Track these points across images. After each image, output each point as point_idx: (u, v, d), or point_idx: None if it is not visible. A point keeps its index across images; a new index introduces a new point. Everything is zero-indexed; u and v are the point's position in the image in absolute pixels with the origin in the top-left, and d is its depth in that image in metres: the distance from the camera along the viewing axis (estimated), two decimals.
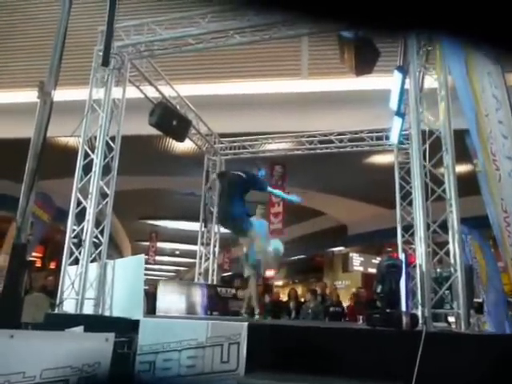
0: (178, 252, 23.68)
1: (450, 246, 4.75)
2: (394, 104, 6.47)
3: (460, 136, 5.33)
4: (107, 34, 5.36)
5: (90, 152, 5.71)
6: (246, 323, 3.37)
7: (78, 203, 5.59)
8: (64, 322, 4.20)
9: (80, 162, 5.66)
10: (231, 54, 8.20)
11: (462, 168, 7.03)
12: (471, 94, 4.70)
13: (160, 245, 21.04)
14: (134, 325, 3.15)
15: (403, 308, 5.13)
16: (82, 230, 5.50)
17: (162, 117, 6.69)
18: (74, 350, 2.43)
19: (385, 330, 4.04)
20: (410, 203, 6.71)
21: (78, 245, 5.52)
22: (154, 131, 7.08)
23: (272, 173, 10.76)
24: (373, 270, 13.29)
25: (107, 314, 5.18)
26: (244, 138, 9.08)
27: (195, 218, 9.46)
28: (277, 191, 6.72)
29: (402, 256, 7.22)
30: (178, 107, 7.54)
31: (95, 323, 4.33)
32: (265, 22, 5.32)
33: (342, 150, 8.50)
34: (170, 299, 6.66)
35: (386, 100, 6.61)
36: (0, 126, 9.43)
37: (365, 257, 17.26)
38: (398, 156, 8.06)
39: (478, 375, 3.35)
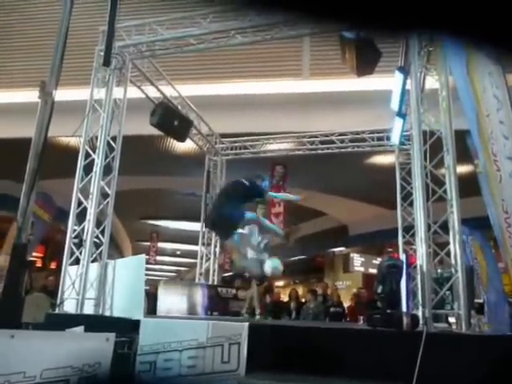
0: (178, 252, 23.69)
1: (451, 246, 4.75)
2: (395, 104, 6.47)
3: (461, 137, 5.33)
4: (108, 33, 5.36)
5: (91, 152, 5.71)
6: (246, 323, 3.36)
7: (79, 203, 5.60)
8: (64, 322, 4.21)
9: (81, 162, 5.66)
10: (233, 54, 8.20)
11: (463, 169, 7.03)
12: (472, 95, 4.70)
13: (161, 245, 21.05)
14: (134, 325, 3.15)
15: (404, 308, 5.14)
16: (83, 229, 5.51)
17: (163, 117, 6.69)
18: (75, 350, 2.43)
19: (385, 330, 4.04)
20: (411, 204, 6.70)
21: (79, 245, 5.52)
22: (155, 131, 7.08)
23: (273, 173, 10.76)
24: (373, 271, 13.28)
25: (108, 314, 5.18)
26: (245, 138, 9.08)
27: (196, 219, 9.46)
28: (277, 194, 6.72)
29: (402, 256, 7.21)
30: (179, 107, 7.54)
31: (96, 323, 4.33)
32: (266, 22, 5.32)
33: (343, 150, 8.49)
34: (171, 299, 6.67)
35: (387, 100, 6.61)
36: (1, 126, 9.44)
37: (365, 257, 17.26)
38: (399, 156, 8.05)
39: (478, 376, 3.34)
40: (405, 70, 5.75)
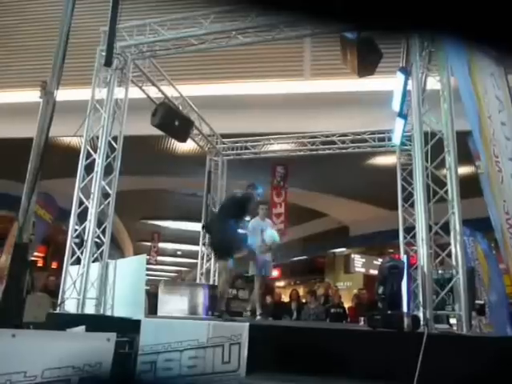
0: (179, 252, 23.70)
1: (452, 247, 4.74)
2: (396, 105, 6.47)
3: (462, 138, 5.32)
4: (110, 34, 5.36)
5: (92, 152, 5.72)
6: (247, 324, 3.36)
7: (80, 203, 5.61)
8: (66, 321, 4.22)
9: (82, 162, 5.67)
10: (234, 54, 8.21)
11: (464, 170, 7.02)
12: (474, 96, 4.69)
13: (162, 245, 21.06)
14: (135, 325, 3.15)
15: (405, 309, 5.13)
16: (84, 229, 5.52)
17: (164, 117, 6.69)
18: (76, 349, 2.43)
19: (386, 331, 4.04)
20: (412, 205, 6.70)
21: (80, 245, 5.53)
22: (156, 131, 7.09)
23: (274, 173, 10.77)
24: (374, 272, 13.28)
25: (109, 313, 5.19)
26: (246, 138, 9.09)
27: (197, 219, 9.47)
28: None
29: (403, 257, 7.21)
30: (180, 108, 7.55)
31: (97, 323, 4.34)
32: (267, 22, 5.32)
33: (344, 151, 8.49)
34: (172, 299, 6.67)
35: (388, 101, 6.61)
36: (3, 126, 9.46)
37: (366, 258, 17.23)
38: (400, 157, 8.06)
39: (479, 377, 3.34)
40: (406, 71, 5.75)
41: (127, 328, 3.28)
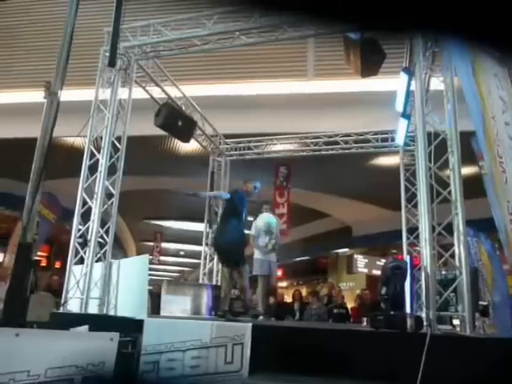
0: (182, 252, 23.72)
1: (456, 248, 4.73)
2: (399, 105, 6.46)
3: (465, 138, 5.31)
4: (113, 34, 5.38)
5: (95, 152, 5.74)
6: (250, 324, 3.37)
7: (84, 203, 5.62)
8: (69, 321, 4.23)
9: (86, 162, 5.69)
10: (237, 55, 8.21)
11: (468, 170, 7.00)
12: (478, 96, 4.68)
13: (164, 245, 21.09)
14: (138, 325, 3.15)
15: (408, 310, 5.11)
16: (88, 229, 5.53)
17: (167, 117, 6.70)
18: (79, 349, 2.44)
19: (389, 332, 4.03)
20: (416, 205, 6.69)
21: (83, 244, 5.55)
22: (159, 132, 7.10)
23: (277, 174, 10.77)
24: (377, 272, 13.26)
25: (112, 313, 5.20)
26: (249, 138, 9.09)
27: (200, 219, 9.48)
28: None
29: (406, 258, 7.19)
30: (183, 108, 7.56)
31: (100, 323, 4.35)
32: (271, 23, 5.33)
33: (347, 151, 8.48)
34: (175, 299, 6.67)
35: (391, 101, 6.60)
36: (7, 126, 9.50)
37: (369, 258, 17.21)
38: (404, 158, 8.04)
39: (482, 378, 3.33)
40: (409, 71, 5.74)
41: (130, 328, 3.29)
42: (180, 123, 6.96)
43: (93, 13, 8.40)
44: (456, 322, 4.91)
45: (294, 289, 13.03)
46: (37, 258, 11.12)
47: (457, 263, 4.66)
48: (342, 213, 15.59)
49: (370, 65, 5.53)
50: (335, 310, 8.62)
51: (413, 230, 7.28)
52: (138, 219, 18.25)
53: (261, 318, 6.35)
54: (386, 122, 7.82)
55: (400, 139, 7.45)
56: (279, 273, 13.34)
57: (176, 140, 8.94)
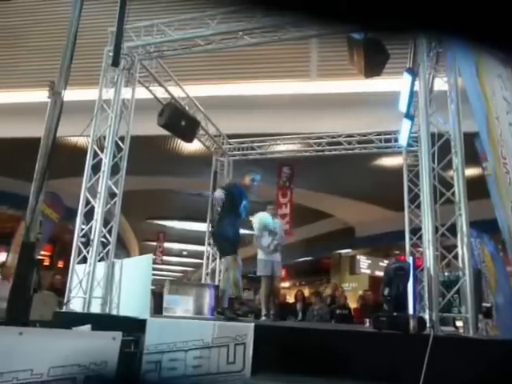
0: (185, 252, 23.75)
1: (459, 249, 4.71)
2: (403, 106, 6.45)
3: (469, 139, 5.29)
4: (117, 34, 5.39)
5: (99, 152, 5.75)
6: (252, 324, 3.37)
7: (87, 202, 5.64)
8: (72, 320, 4.24)
9: (89, 162, 5.70)
10: (240, 55, 8.21)
11: (472, 171, 6.98)
12: (482, 97, 4.67)
13: (167, 245, 21.12)
14: (140, 324, 3.16)
15: (410, 311, 5.11)
16: (91, 229, 5.54)
17: (170, 117, 6.71)
18: (82, 348, 2.45)
19: (392, 333, 4.02)
20: (419, 206, 6.67)
21: (86, 244, 5.56)
22: (162, 132, 7.11)
23: (280, 174, 10.76)
24: (380, 273, 13.25)
25: (114, 313, 5.21)
26: (252, 139, 9.09)
27: (202, 219, 9.48)
28: None
29: (409, 259, 7.18)
30: (186, 108, 7.57)
31: (102, 322, 4.36)
32: (274, 23, 5.33)
33: (350, 151, 8.47)
34: (177, 299, 6.68)
35: (395, 102, 6.59)
36: (11, 125, 9.53)
37: (372, 259, 17.20)
38: (407, 158, 8.02)
39: (485, 380, 3.32)
40: (413, 72, 5.73)
41: (133, 327, 3.29)
42: (183, 123, 6.96)
43: (97, 13, 8.43)
44: (459, 323, 4.89)
45: (297, 289, 13.04)
46: (40, 257, 11.17)
47: (460, 264, 4.64)
48: (345, 213, 15.58)
49: (374, 65, 5.51)
50: (338, 311, 8.61)
51: (416, 231, 7.26)
52: (141, 219, 18.28)
53: (263, 318, 6.35)
54: (390, 122, 7.80)
55: (403, 140, 7.44)
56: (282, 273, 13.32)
57: (179, 140, 8.94)
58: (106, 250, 5.59)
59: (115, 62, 5.53)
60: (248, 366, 3.17)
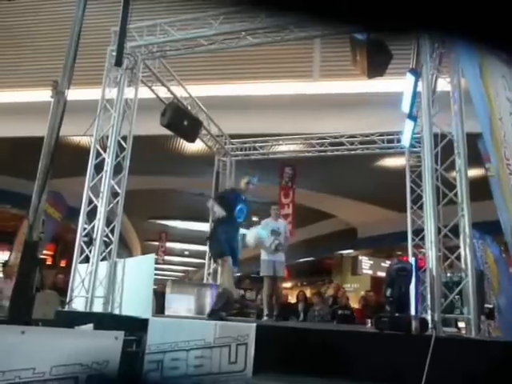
0: (187, 252, 23.76)
1: (461, 250, 4.70)
2: (406, 107, 6.44)
3: (472, 139, 5.28)
4: (120, 34, 5.40)
5: (101, 151, 5.76)
6: (254, 324, 3.37)
7: (90, 202, 5.65)
8: (74, 319, 4.25)
9: (92, 161, 5.71)
10: (243, 55, 8.22)
11: (474, 172, 6.97)
12: (485, 97, 4.66)
13: (169, 245, 21.13)
14: (142, 324, 3.16)
15: (413, 312, 5.10)
16: (93, 228, 5.55)
17: (173, 117, 6.72)
18: (84, 347, 2.45)
19: (394, 333, 4.01)
20: (421, 207, 6.66)
21: (89, 243, 5.57)
22: (165, 131, 7.12)
23: (282, 174, 10.76)
24: (382, 274, 13.23)
25: (116, 312, 5.22)
26: (255, 139, 9.09)
27: (205, 219, 9.49)
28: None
29: (411, 260, 7.16)
30: (189, 108, 7.57)
31: (104, 321, 4.37)
32: (277, 23, 5.33)
33: (352, 152, 8.46)
34: (179, 299, 6.69)
35: (397, 103, 6.58)
36: (14, 125, 9.56)
37: (374, 260, 17.18)
38: (410, 159, 8.01)
39: (487, 381, 3.31)
40: (416, 72, 5.72)
41: (135, 327, 3.30)
42: (186, 123, 6.97)
43: (100, 13, 8.44)
44: (461, 324, 4.89)
45: (299, 289, 13.02)
46: (42, 256, 11.17)
47: (462, 265, 4.64)
48: (347, 214, 15.56)
49: (377, 66, 5.51)
50: (340, 311, 8.59)
51: (418, 232, 7.25)
52: (144, 219, 18.30)
53: (265, 318, 6.36)
54: (392, 123, 7.79)
55: (406, 140, 7.43)
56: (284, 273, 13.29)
57: (181, 140, 8.95)
58: (109, 249, 5.60)
59: (118, 62, 5.54)
60: (250, 366, 3.17)
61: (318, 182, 12.11)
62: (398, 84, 6.88)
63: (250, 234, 5.96)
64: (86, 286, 5.34)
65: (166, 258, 21.20)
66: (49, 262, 16.39)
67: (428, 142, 4.86)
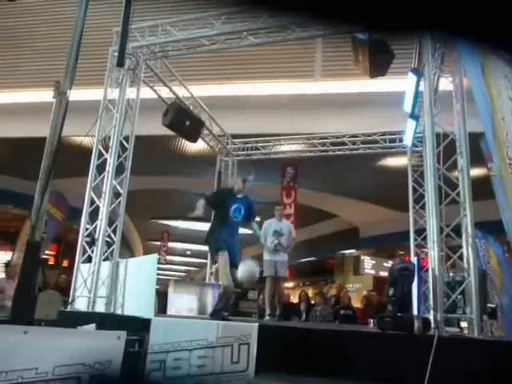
0: (189, 252, 23.77)
1: (464, 250, 4.70)
2: (408, 106, 6.43)
3: (474, 139, 5.27)
4: (122, 34, 5.40)
5: (103, 152, 5.77)
6: (256, 324, 3.37)
7: (92, 202, 5.65)
8: (76, 319, 4.25)
9: (94, 162, 5.72)
10: (245, 55, 8.22)
11: (477, 171, 6.95)
12: (487, 97, 4.65)
13: (171, 245, 21.14)
14: (145, 324, 3.17)
15: (415, 312, 5.09)
16: (95, 228, 5.56)
17: (175, 117, 6.72)
18: (86, 347, 2.45)
19: (396, 333, 4.01)
20: (423, 206, 6.65)
21: (91, 243, 5.58)
22: (167, 131, 7.12)
23: (284, 174, 10.76)
24: (384, 274, 13.19)
25: (119, 312, 5.22)
26: (256, 139, 9.09)
27: (207, 219, 9.47)
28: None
29: (414, 259, 7.15)
30: (191, 108, 7.58)
31: (107, 321, 4.37)
32: (279, 23, 5.32)
33: (354, 152, 8.45)
34: (181, 299, 6.69)
35: (399, 102, 6.57)
36: (16, 125, 9.58)
37: (376, 260, 17.16)
38: (412, 159, 7.99)
39: (490, 381, 3.31)
40: (418, 72, 5.71)
41: (137, 327, 3.30)
42: (188, 123, 6.97)
43: (102, 13, 8.45)
44: (464, 324, 4.88)
45: (301, 289, 13.01)
46: (45, 256, 11.21)
47: (465, 265, 4.63)
48: (350, 214, 15.54)
49: (379, 65, 5.50)
50: (342, 311, 8.58)
51: (420, 232, 7.24)
52: (146, 219, 18.32)
53: (267, 318, 6.35)
54: (394, 122, 7.78)
55: (408, 140, 7.42)
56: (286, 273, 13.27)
57: (183, 140, 8.96)
58: (111, 249, 5.61)
59: (120, 62, 5.55)
60: (252, 366, 3.17)
61: (319, 182, 12.10)
62: (400, 83, 6.87)
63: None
64: (88, 286, 5.34)
65: (168, 257, 21.22)
66: (51, 262, 16.43)
67: (430, 141, 4.85)
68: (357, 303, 10.47)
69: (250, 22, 5.48)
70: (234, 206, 5.32)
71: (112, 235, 5.66)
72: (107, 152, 5.74)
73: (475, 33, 0.93)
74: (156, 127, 7.04)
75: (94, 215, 5.62)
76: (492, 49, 1.12)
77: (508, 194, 4.65)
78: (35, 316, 3.16)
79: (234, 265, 5.12)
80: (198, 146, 9.67)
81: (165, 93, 7.09)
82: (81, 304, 5.34)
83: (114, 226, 5.71)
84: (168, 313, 6.32)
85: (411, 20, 0.96)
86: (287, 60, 8.77)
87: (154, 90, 6.92)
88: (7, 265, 9.00)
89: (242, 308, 7.53)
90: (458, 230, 4.75)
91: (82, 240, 5.57)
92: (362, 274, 17.04)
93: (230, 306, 5.70)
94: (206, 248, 9.35)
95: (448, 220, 4.80)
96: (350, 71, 7.52)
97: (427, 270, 5.12)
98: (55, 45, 8.98)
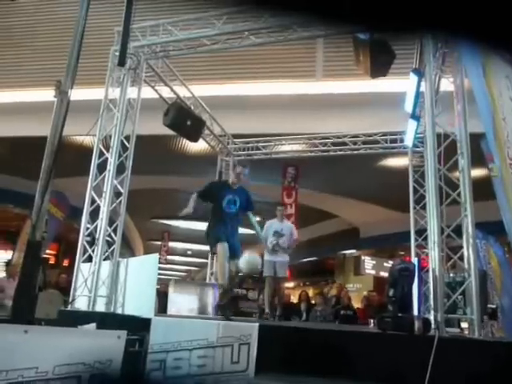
0: (189, 252, 23.77)
1: (464, 250, 4.69)
2: (409, 106, 6.43)
3: (475, 140, 5.27)
4: (123, 34, 5.40)
5: (104, 151, 5.77)
6: (256, 324, 3.36)
7: (92, 202, 5.66)
8: (77, 318, 4.25)
9: (95, 161, 5.72)
10: (246, 55, 8.22)
11: (477, 172, 6.95)
12: (488, 97, 4.65)
13: (172, 244, 21.15)
14: (145, 323, 3.17)
15: (415, 312, 5.09)
16: (96, 228, 5.56)
17: (176, 117, 6.72)
18: (87, 346, 2.45)
19: (396, 334, 4.01)
20: (424, 207, 6.65)
21: (92, 243, 5.58)
22: (168, 131, 7.13)
23: (285, 174, 10.76)
24: (385, 274, 13.19)
25: (119, 311, 5.23)
26: (257, 139, 9.09)
27: (207, 219, 9.47)
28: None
29: (414, 260, 7.15)
30: (192, 108, 7.58)
31: (107, 321, 4.38)
32: (280, 23, 5.32)
33: (355, 152, 8.45)
34: (182, 299, 6.69)
35: (400, 102, 6.57)
36: (18, 124, 9.58)
37: (377, 260, 17.16)
38: (412, 159, 7.99)
39: (490, 382, 3.30)
40: (419, 72, 5.71)
41: (137, 326, 3.30)
42: (188, 123, 6.97)
43: (103, 12, 8.46)
44: (464, 324, 4.88)
45: (301, 289, 13.00)
46: (45, 255, 11.22)
47: (465, 266, 4.63)
48: (350, 214, 15.54)
49: (380, 65, 5.50)
50: (342, 312, 8.58)
51: (421, 232, 7.24)
52: (146, 218, 18.32)
53: (267, 318, 6.35)
54: (395, 123, 7.78)
55: (409, 140, 7.42)
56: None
57: (184, 139, 8.96)
58: (111, 249, 5.61)
59: (121, 62, 5.55)
60: (252, 366, 3.17)
61: (320, 182, 12.10)
62: (401, 84, 6.87)
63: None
64: (88, 285, 5.35)
65: (169, 257, 21.22)
66: (52, 262, 16.46)
67: (431, 141, 4.85)
68: (357, 303, 10.47)
69: (251, 22, 5.48)
70: (228, 197, 5.28)
71: (112, 235, 5.67)
72: (108, 151, 5.74)
73: (476, 33, 0.93)
74: (157, 127, 7.05)
75: (94, 215, 5.62)
76: (493, 49, 1.12)
77: (509, 194, 4.64)
78: (35, 315, 3.16)
79: (235, 256, 5.07)
80: (199, 146, 9.67)
81: (166, 92, 7.09)
82: (81, 303, 5.34)
83: (114, 225, 5.71)
84: (168, 312, 6.32)
85: (413, 20, 0.96)
86: (288, 60, 8.77)
87: (155, 90, 6.92)
88: (8, 264, 9.02)
89: (243, 308, 7.52)
90: (458, 231, 4.75)
91: (82, 239, 5.58)
92: (362, 274, 17.05)
93: (231, 305, 5.68)
94: (206, 248, 9.38)
95: (449, 220, 4.80)
96: (351, 71, 7.51)
97: (428, 271, 5.12)
98: (56, 44, 8.98)
